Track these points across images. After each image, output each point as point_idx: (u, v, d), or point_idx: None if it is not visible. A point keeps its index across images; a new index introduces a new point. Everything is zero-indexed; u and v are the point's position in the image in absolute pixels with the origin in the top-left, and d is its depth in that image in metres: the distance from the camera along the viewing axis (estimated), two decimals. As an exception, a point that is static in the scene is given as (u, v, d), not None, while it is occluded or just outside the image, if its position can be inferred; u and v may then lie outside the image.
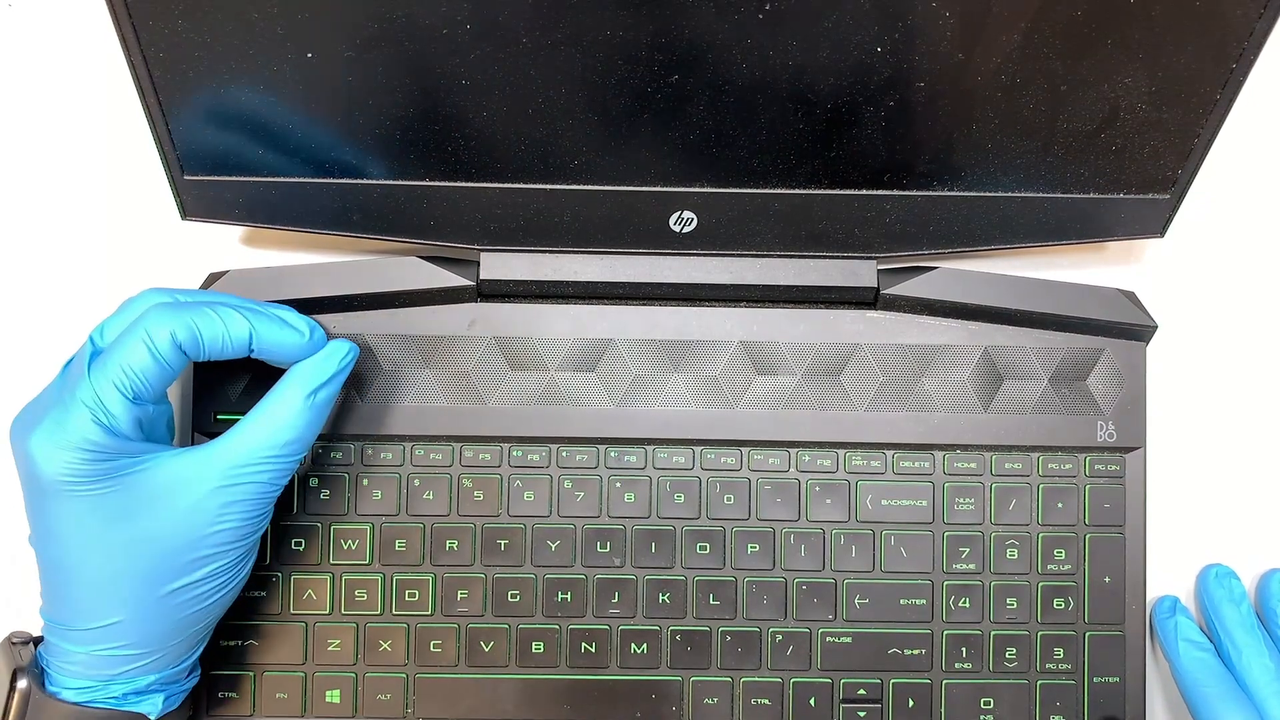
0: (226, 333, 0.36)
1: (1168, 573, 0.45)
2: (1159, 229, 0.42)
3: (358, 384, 0.42)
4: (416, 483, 0.42)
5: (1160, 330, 0.43)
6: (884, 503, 0.43)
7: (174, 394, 0.43)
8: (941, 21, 0.35)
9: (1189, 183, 0.40)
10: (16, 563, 0.43)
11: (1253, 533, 0.45)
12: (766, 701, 0.42)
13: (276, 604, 0.42)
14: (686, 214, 0.40)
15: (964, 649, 0.42)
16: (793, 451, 0.43)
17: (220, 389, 0.41)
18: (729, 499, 0.42)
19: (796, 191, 0.40)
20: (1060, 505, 0.43)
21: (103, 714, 0.35)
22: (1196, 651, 0.42)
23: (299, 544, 0.42)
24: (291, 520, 0.42)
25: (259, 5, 0.34)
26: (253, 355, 0.37)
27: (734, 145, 0.38)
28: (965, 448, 0.43)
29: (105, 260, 0.45)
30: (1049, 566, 0.43)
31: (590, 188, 0.39)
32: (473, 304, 0.42)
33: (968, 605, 0.42)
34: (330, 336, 0.39)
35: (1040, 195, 0.40)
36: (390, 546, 0.42)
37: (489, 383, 0.42)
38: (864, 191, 0.40)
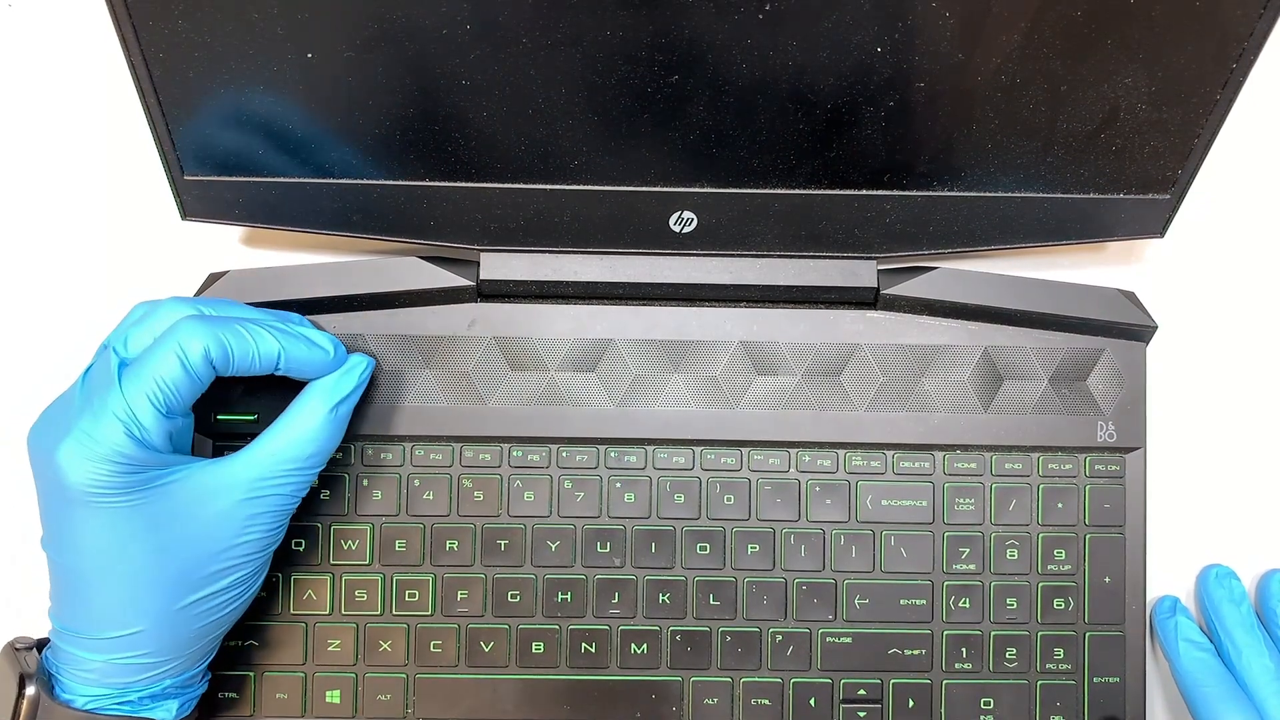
0: (257, 351, 0.36)
1: (1168, 573, 0.45)
2: (1159, 229, 0.42)
3: (358, 384, 0.42)
4: (416, 483, 0.42)
5: (1160, 330, 0.43)
6: (884, 503, 0.43)
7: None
8: (941, 21, 0.35)
9: (1189, 183, 0.40)
10: (16, 563, 0.43)
11: (1253, 533, 0.45)
12: (766, 702, 0.42)
13: (276, 604, 0.42)
14: (686, 214, 0.40)
15: (964, 649, 0.42)
16: (793, 451, 0.43)
17: (221, 391, 0.41)
18: (729, 499, 0.42)
19: (796, 191, 0.40)
20: (1060, 505, 0.43)
21: None
22: (1196, 651, 0.42)
23: (299, 544, 0.42)
24: (292, 520, 0.42)
25: (259, 5, 0.34)
26: (277, 372, 0.37)
27: (734, 145, 0.38)
28: (965, 448, 0.43)
29: (105, 260, 0.45)
30: (1049, 566, 0.43)
31: (590, 188, 0.39)
32: (473, 304, 0.42)
33: (968, 605, 0.42)
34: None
35: (1040, 195, 0.40)
36: (390, 547, 0.42)
37: (489, 383, 0.42)
38: (864, 191, 0.40)
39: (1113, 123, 0.38)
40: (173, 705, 0.37)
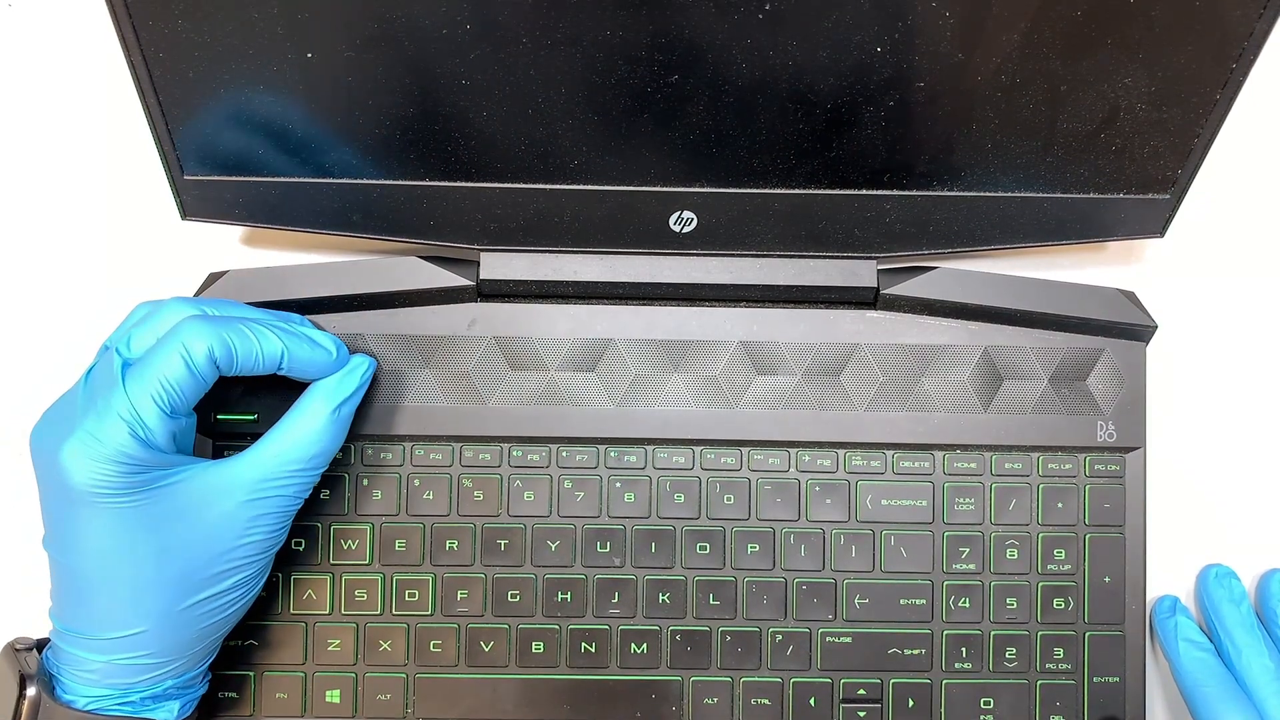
0: (260, 351, 0.36)
1: (1168, 573, 0.45)
2: (1159, 229, 0.42)
3: (358, 384, 0.42)
4: (416, 483, 0.42)
5: (1160, 330, 0.43)
6: (884, 503, 0.43)
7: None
8: (941, 21, 0.35)
9: (1189, 183, 0.40)
10: (16, 563, 0.43)
11: (1253, 533, 0.45)
12: (766, 701, 0.42)
13: (276, 604, 0.42)
14: (686, 214, 0.40)
15: (964, 649, 0.42)
16: (793, 451, 0.43)
17: (220, 391, 0.41)
18: (729, 499, 0.42)
19: (796, 191, 0.40)
20: (1060, 505, 0.43)
21: None
22: (1196, 651, 0.42)
23: (299, 544, 0.42)
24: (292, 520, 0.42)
25: (259, 5, 0.34)
26: (279, 372, 0.37)
27: (734, 145, 0.38)
28: (965, 448, 0.43)
29: (105, 260, 0.45)
30: (1049, 566, 0.43)
31: (590, 188, 0.39)
32: (473, 304, 0.42)
33: (968, 605, 0.42)
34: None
35: (1040, 195, 0.40)
36: (390, 546, 0.42)
37: (489, 383, 0.42)
38: (864, 191, 0.40)
39: (1113, 123, 0.38)
40: (174, 706, 0.37)
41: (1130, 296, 0.43)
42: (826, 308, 0.43)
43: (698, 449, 0.43)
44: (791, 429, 0.42)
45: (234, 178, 0.39)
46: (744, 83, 0.36)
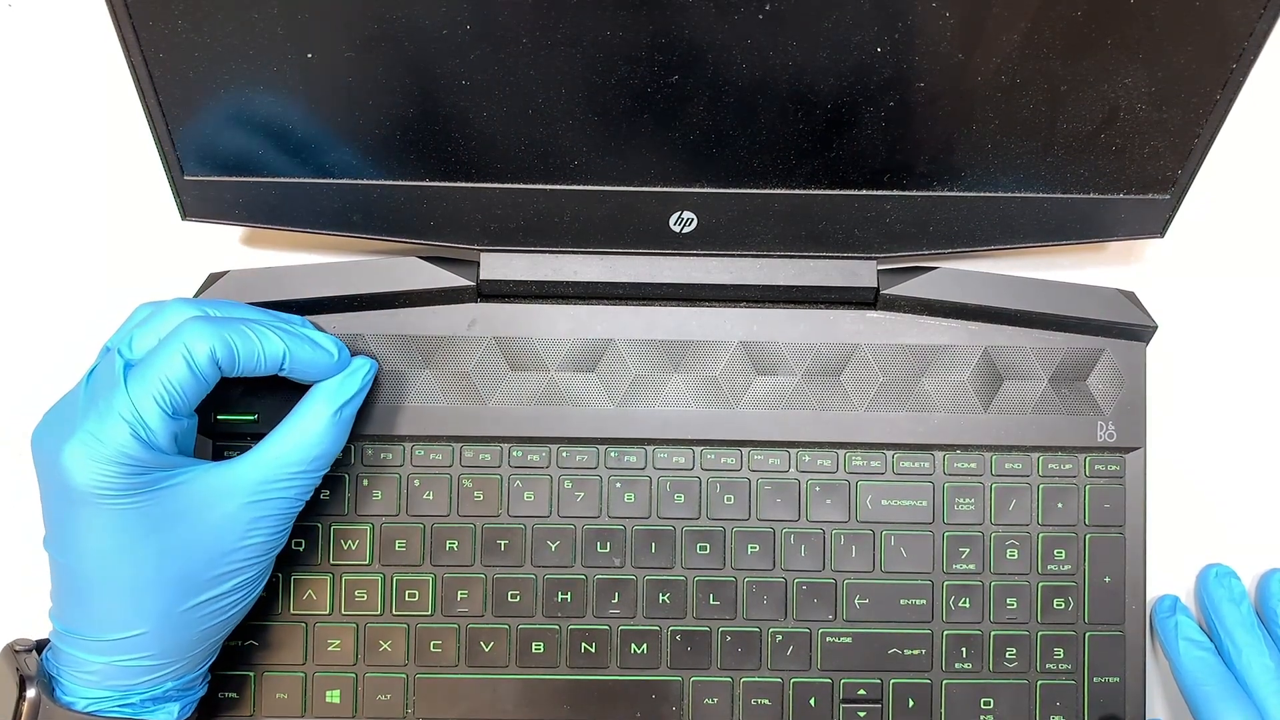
0: (262, 351, 0.36)
1: (1168, 573, 0.45)
2: (1159, 229, 0.42)
3: (358, 384, 0.42)
4: (416, 483, 0.42)
5: (1160, 330, 0.43)
6: (884, 503, 0.43)
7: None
8: (941, 22, 0.35)
9: (1189, 183, 0.40)
10: (16, 563, 0.43)
11: (1253, 533, 0.45)
12: (766, 701, 0.42)
13: (277, 604, 0.42)
14: (686, 214, 0.40)
15: (964, 649, 0.42)
16: (793, 451, 0.43)
17: (220, 391, 0.41)
18: (729, 499, 0.42)
19: (796, 191, 0.40)
20: (1060, 505, 0.43)
21: None
22: (1197, 651, 0.42)
23: (299, 544, 0.42)
24: (291, 520, 0.42)
25: (259, 5, 0.34)
26: (280, 374, 0.37)
27: (734, 145, 0.38)
28: (965, 448, 0.43)
29: (105, 260, 0.45)
30: (1049, 566, 0.43)
31: (590, 188, 0.39)
32: (473, 304, 0.42)
33: (968, 605, 0.42)
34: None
35: (1040, 195, 0.40)
36: (390, 547, 0.42)
37: (489, 383, 0.42)
38: (864, 191, 0.40)
39: (1112, 123, 0.38)
40: (174, 708, 0.37)
41: (1130, 297, 0.43)
42: (826, 308, 0.43)
43: (698, 449, 0.43)
44: (791, 429, 0.42)
45: (234, 178, 0.39)
46: (744, 83, 0.36)
